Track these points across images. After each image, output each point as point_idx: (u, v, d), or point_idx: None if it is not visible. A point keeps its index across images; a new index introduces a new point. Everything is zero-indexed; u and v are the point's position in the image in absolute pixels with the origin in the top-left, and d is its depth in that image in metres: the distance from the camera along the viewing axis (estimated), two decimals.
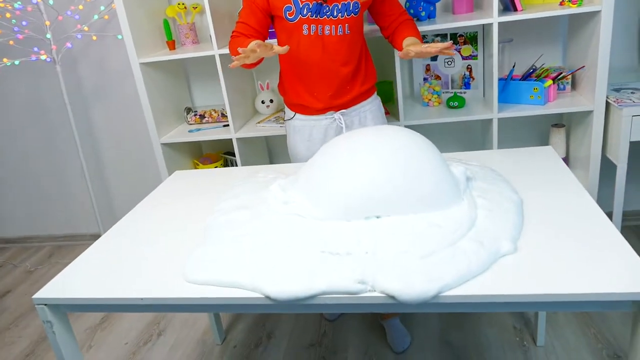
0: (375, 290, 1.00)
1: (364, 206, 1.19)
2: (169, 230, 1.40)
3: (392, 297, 0.97)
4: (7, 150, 2.97)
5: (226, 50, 2.14)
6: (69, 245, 3.19)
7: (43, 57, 2.33)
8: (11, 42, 2.38)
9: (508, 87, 2.14)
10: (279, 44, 1.70)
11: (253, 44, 1.38)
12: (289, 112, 1.84)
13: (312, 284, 1.02)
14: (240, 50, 1.38)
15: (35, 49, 2.43)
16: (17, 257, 3.16)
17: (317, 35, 1.62)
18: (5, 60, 2.29)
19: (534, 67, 2.15)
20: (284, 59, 1.73)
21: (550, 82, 2.05)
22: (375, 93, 1.86)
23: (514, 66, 2.14)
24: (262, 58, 1.65)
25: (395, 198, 1.17)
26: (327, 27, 1.62)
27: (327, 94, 1.71)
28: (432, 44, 1.49)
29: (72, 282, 1.20)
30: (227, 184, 1.68)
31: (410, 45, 1.60)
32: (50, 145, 2.92)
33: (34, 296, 1.15)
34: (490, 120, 2.12)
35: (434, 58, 2.35)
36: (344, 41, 1.65)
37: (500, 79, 2.15)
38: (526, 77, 2.13)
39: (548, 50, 2.28)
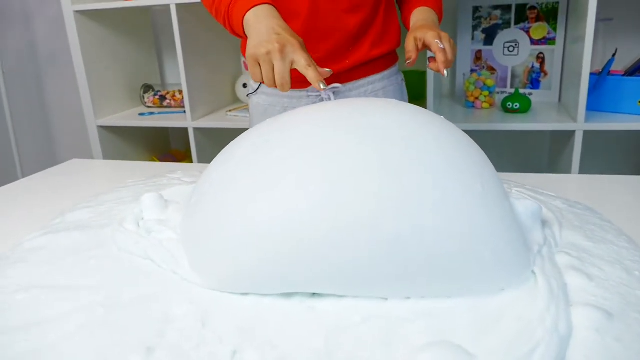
0: None
1: (281, 268, 0.48)
2: None
3: None
4: None
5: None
6: None
7: None
8: None
9: (602, 86, 1.39)
10: None
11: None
12: (253, 82, 1.15)
13: None
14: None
15: None
16: None
17: None
18: None
19: None
20: None
21: None
22: (397, 66, 1.14)
23: (614, 55, 1.39)
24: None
25: (362, 259, 0.45)
26: None
27: (315, 55, 1.01)
28: (434, 44, 0.84)
29: None
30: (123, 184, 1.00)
31: (418, 29, 0.90)
32: None
33: None
34: (569, 135, 1.36)
35: (489, 42, 1.62)
36: None
37: (590, 74, 1.40)
38: (633, 72, 1.37)
39: None
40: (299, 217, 0.47)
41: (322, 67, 0.99)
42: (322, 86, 0.73)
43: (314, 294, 0.48)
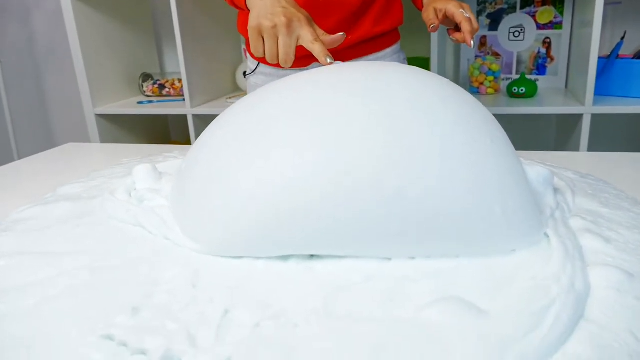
0: None
1: (277, 229, 0.45)
2: None
3: None
4: None
5: None
6: None
7: None
8: None
9: (610, 70, 1.35)
10: None
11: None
12: (250, 62, 1.12)
13: None
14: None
15: None
16: None
17: None
18: None
19: None
20: None
21: None
22: (398, 45, 1.11)
23: (623, 37, 1.36)
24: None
25: (364, 217, 0.42)
26: None
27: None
28: (458, 14, 0.81)
29: None
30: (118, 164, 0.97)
31: (436, 0, 0.86)
32: None
33: None
34: (577, 119, 1.33)
35: (494, 27, 1.59)
36: None
37: (598, 59, 1.37)
38: None
39: None
40: (295, 174, 0.44)
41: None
42: (329, 60, 0.69)
43: (312, 256, 0.46)
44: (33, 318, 0.40)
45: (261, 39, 0.70)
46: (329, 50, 0.70)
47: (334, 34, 0.98)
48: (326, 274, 0.43)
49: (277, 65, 1.06)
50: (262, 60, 1.06)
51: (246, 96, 0.60)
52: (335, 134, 0.45)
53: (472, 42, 0.81)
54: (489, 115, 0.53)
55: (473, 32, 0.81)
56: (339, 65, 0.59)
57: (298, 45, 0.71)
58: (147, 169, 0.67)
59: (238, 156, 0.48)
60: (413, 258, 0.43)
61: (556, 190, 0.58)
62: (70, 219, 0.59)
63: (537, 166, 0.56)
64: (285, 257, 0.46)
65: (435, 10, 0.85)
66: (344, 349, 0.33)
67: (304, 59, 1.00)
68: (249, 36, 0.70)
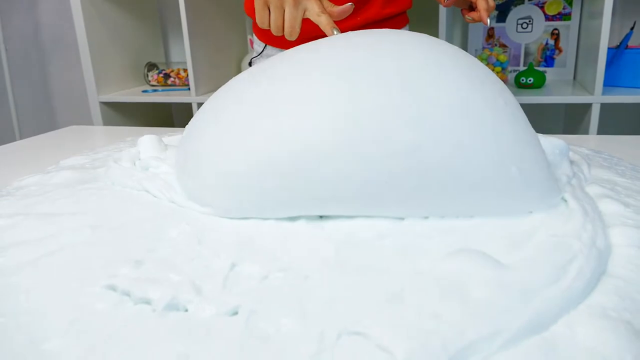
0: None
1: (284, 189, 0.43)
2: None
3: None
4: None
5: None
6: None
7: None
8: None
9: (619, 60, 1.34)
10: None
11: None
12: (257, 44, 1.11)
13: None
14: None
15: None
16: None
17: None
18: None
19: None
20: None
21: None
22: (407, 28, 1.10)
23: (632, 27, 1.34)
24: None
25: (375, 174, 0.41)
26: None
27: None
28: None
29: None
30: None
31: None
32: None
33: None
34: (585, 108, 1.31)
35: (502, 19, 1.57)
36: None
37: (607, 49, 1.35)
38: None
39: None
40: (303, 131, 0.42)
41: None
42: (335, 32, 0.68)
43: (321, 217, 0.44)
44: (33, 271, 0.38)
45: (267, 9, 0.69)
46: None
47: (337, 19, 0.96)
48: (337, 230, 0.41)
49: (283, 46, 1.04)
50: (267, 38, 1.05)
51: (252, 67, 0.59)
52: (344, 91, 0.43)
53: (488, 21, 0.79)
54: (500, 81, 0.51)
55: (489, 10, 0.79)
56: (348, 33, 0.58)
57: (305, 18, 0.69)
58: (152, 139, 0.66)
59: (244, 117, 0.47)
60: (427, 218, 0.42)
61: (571, 162, 0.56)
62: (73, 185, 0.58)
63: (552, 138, 0.55)
64: (293, 218, 0.44)
65: None
66: (357, 299, 0.32)
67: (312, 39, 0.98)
68: (255, 6, 0.69)
